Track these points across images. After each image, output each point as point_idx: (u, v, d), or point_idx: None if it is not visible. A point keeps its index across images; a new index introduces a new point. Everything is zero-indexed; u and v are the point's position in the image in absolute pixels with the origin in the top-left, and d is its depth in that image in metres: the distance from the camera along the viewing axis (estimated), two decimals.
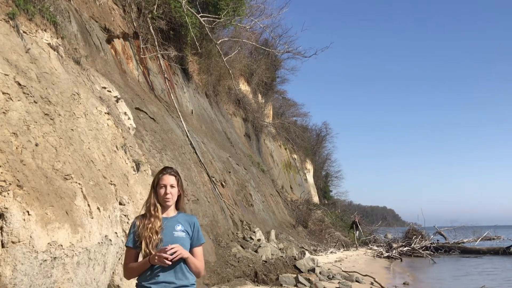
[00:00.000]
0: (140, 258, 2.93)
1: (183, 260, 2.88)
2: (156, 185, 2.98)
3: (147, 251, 2.82)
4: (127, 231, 5.55)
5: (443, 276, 15.36)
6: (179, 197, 3.02)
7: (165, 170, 3.03)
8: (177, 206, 3.03)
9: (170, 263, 2.77)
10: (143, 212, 3.00)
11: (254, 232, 13.51)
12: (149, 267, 2.82)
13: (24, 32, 5.14)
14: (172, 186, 2.95)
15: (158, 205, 2.93)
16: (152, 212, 2.90)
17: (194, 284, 2.91)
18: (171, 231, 2.88)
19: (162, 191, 2.94)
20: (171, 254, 2.76)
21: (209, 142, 15.83)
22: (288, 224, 22.17)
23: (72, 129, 5.12)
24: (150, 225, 2.85)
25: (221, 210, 12.45)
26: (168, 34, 15.00)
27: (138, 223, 2.92)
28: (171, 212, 2.99)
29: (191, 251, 2.94)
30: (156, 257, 2.75)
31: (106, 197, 5.21)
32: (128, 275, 2.97)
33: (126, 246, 2.96)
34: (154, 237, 2.82)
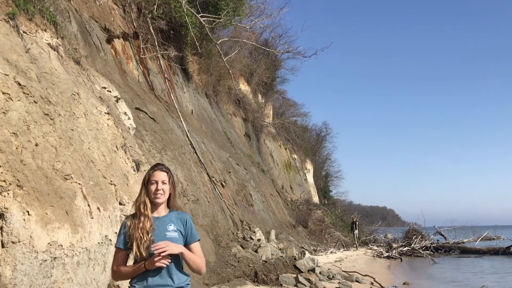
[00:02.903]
0: (129, 261, 2.83)
1: (177, 260, 2.78)
2: (147, 182, 2.86)
3: (138, 253, 2.71)
4: None
5: (443, 276, 15.35)
6: (170, 195, 2.90)
7: (156, 166, 2.91)
8: (168, 204, 2.92)
9: (168, 263, 2.68)
10: (133, 211, 2.89)
11: (254, 232, 13.51)
12: (142, 272, 2.72)
13: (24, 32, 5.14)
14: (163, 183, 2.84)
15: (148, 203, 2.81)
16: (142, 211, 2.78)
17: (188, 284, 2.82)
18: (163, 231, 2.77)
19: (153, 187, 2.82)
20: (159, 252, 2.65)
21: (209, 142, 15.83)
22: (288, 224, 22.16)
23: (72, 129, 5.12)
24: (140, 225, 2.73)
25: (221, 210, 12.45)
26: (168, 34, 15.00)
27: (129, 223, 2.80)
28: (162, 211, 2.87)
29: (187, 249, 2.84)
30: (156, 260, 2.65)
31: (106, 197, 5.21)
32: (117, 277, 2.87)
33: (116, 247, 2.83)
34: (145, 238, 2.71)
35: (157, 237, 2.74)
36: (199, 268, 2.84)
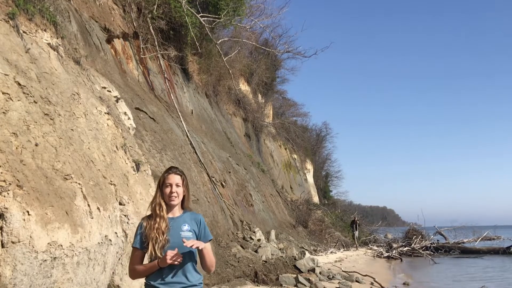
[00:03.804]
0: (145, 260, 2.95)
1: (191, 259, 2.91)
2: (162, 185, 2.99)
3: (153, 252, 2.83)
4: (127, 231, 5.56)
5: (443, 276, 15.35)
6: (184, 196, 3.02)
7: (171, 169, 3.05)
8: (183, 205, 3.04)
9: (180, 261, 2.80)
10: (149, 212, 3.01)
11: (254, 232, 13.51)
12: (158, 270, 2.84)
13: (24, 32, 5.14)
14: (177, 185, 2.97)
15: (163, 204, 2.94)
16: (157, 212, 2.91)
17: (201, 283, 2.94)
18: (178, 231, 2.90)
19: (167, 190, 2.95)
20: (192, 247, 2.81)
21: (209, 142, 15.82)
22: (288, 224, 22.16)
23: (72, 129, 5.11)
24: (156, 226, 2.86)
25: (221, 210, 12.45)
26: (168, 34, 15.00)
27: (145, 224, 2.93)
28: (177, 212, 3.00)
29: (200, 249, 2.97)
30: (168, 257, 2.76)
31: (106, 197, 5.21)
32: (133, 275, 2.99)
33: (133, 247, 2.96)
34: (160, 238, 2.84)
35: (172, 237, 2.87)
36: (212, 265, 2.99)
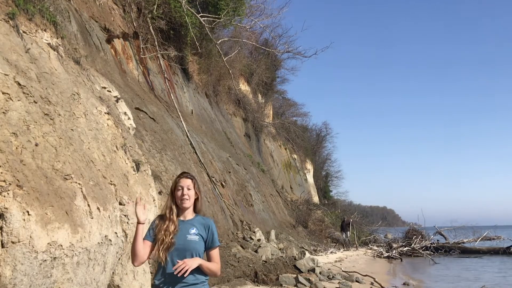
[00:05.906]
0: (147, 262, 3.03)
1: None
2: (174, 189, 3.11)
3: (158, 253, 2.95)
4: (127, 231, 5.57)
5: (443, 276, 15.35)
6: (196, 200, 3.13)
7: (182, 174, 3.20)
8: (196, 209, 3.15)
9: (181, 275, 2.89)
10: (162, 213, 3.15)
11: (254, 232, 13.51)
12: (162, 269, 2.95)
13: (24, 32, 5.14)
14: (188, 188, 3.08)
15: (174, 208, 3.07)
16: (168, 215, 3.05)
17: (204, 282, 3.01)
18: (185, 234, 3.00)
19: (179, 193, 3.07)
20: (181, 271, 2.88)
21: (209, 142, 15.83)
22: (288, 224, 22.16)
23: (72, 129, 5.11)
24: (164, 227, 2.99)
25: (221, 210, 12.45)
26: (168, 34, 15.01)
27: (157, 222, 3.08)
28: (189, 215, 3.11)
29: (207, 254, 3.08)
30: (174, 267, 2.89)
31: (106, 197, 5.20)
32: (132, 254, 3.04)
33: (143, 240, 3.08)
34: (166, 240, 2.95)
35: (178, 239, 2.98)
36: (214, 274, 3.09)
